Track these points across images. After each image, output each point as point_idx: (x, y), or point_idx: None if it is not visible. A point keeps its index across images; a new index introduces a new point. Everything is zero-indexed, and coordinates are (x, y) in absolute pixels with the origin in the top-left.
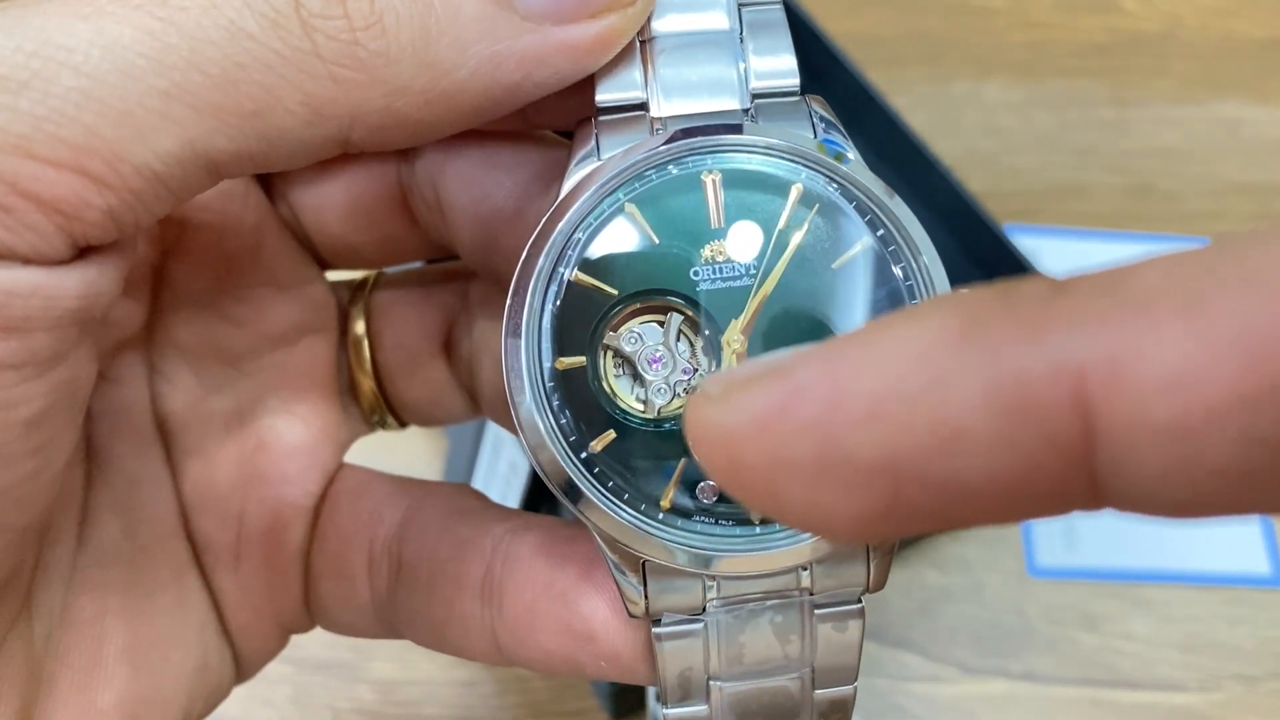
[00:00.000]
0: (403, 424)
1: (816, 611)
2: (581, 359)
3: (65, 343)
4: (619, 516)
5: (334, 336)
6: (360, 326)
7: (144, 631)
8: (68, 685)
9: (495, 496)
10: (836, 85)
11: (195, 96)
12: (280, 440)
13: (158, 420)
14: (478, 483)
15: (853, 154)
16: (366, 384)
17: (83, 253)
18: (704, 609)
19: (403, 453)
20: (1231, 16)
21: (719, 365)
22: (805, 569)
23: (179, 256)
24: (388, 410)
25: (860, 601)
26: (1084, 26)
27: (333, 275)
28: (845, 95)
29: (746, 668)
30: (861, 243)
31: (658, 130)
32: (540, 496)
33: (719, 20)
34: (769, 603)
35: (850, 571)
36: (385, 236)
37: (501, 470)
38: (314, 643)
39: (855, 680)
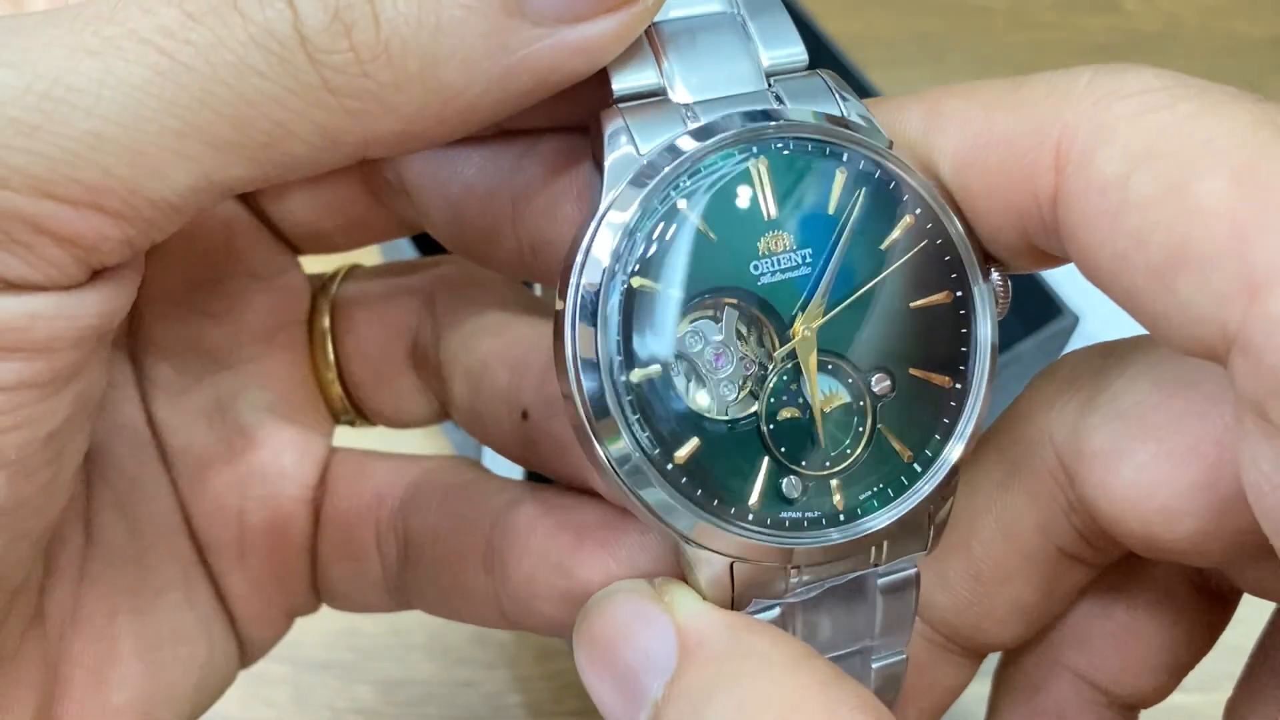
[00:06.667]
0: (370, 423)
1: (879, 582)
2: (657, 368)
3: (84, 357)
4: (714, 525)
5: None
6: (325, 322)
7: (153, 629)
8: (81, 686)
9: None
10: None
11: (208, 134)
12: (271, 436)
13: (149, 418)
14: (485, 461)
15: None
16: (330, 379)
17: (97, 274)
18: (786, 591)
19: (403, 447)
20: (1231, 16)
21: (781, 357)
22: (881, 545)
23: (152, 255)
24: (353, 409)
25: (916, 567)
26: (1084, 26)
27: (311, 269)
28: None
29: (819, 646)
30: (905, 220)
31: (688, 118)
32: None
33: (715, 4)
34: (846, 580)
35: (914, 540)
36: (351, 221)
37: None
38: (314, 643)
39: (905, 649)
